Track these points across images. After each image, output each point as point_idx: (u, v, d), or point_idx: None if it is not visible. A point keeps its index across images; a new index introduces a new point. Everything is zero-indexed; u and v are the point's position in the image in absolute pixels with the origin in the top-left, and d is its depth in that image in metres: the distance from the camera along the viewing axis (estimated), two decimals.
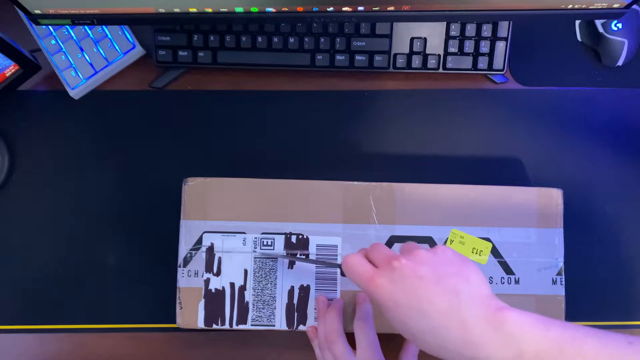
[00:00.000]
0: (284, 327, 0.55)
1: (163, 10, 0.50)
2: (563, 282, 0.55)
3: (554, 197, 0.56)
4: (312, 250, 0.55)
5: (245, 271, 0.55)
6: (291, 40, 0.61)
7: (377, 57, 0.61)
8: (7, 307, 0.60)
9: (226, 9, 0.50)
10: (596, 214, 0.62)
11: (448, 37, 0.61)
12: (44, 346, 0.60)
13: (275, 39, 0.61)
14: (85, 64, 0.61)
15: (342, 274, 0.50)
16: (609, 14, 0.51)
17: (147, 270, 0.60)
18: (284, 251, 0.55)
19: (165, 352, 0.60)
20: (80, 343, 0.60)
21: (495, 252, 0.55)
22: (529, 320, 0.36)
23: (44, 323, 0.60)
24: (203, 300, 0.54)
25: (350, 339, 0.51)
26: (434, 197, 0.56)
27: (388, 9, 0.50)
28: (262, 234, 0.55)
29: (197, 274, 0.55)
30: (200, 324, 0.54)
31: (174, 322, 0.55)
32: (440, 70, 0.62)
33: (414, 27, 0.61)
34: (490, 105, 0.63)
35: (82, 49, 0.61)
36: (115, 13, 0.51)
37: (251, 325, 0.55)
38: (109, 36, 0.61)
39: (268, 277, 0.55)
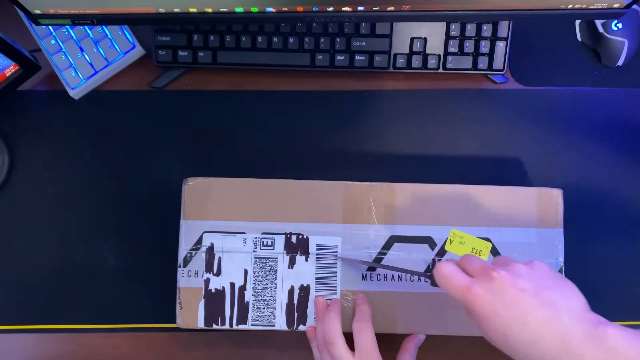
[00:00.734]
0: (284, 327, 0.55)
1: (163, 10, 0.50)
2: None
3: (554, 197, 0.56)
4: (312, 250, 0.55)
5: (245, 271, 0.55)
6: (291, 40, 0.61)
7: (377, 57, 0.61)
8: (7, 307, 0.60)
9: (226, 9, 0.50)
10: (596, 214, 0.62)
11: (448, 37, 0.61)
12: (44, 346, 0.60)
13: (275, 39, 0.61)
14: (85, 64, 0.61)
15: (432, 283, 0.50)
16: (609, 14, 0.51)
17: (147, 270, 0.60)
18: (370, 253, 0.55)
19: (165, 352, 0.60)
20: (80, 343, 0.60)
21: (495, 252, 0.55)
22: (631, 335, 0.36)
23: (44, 323, 0.60)
24: (203, 300, 0.54)
25: (349, 340, 0.51)
26: (434, 197, 0.56)
27: (388, 9, 0.50)
28: (262, 234, 0.55)
29: (197, 274, 0.55)
30: (200, 324, 0.54)
31: (174, 322, 0.55)
32: (440, 70, 0.62)
33: (414, 27, 0.61)
34: (490, 105, 0.63)
35: (82, 49, 0.61)
36: (115, 13, 0.51)
37: (251, 325, 0.55)
38: (109, 36, 0.61)
39: (268, 277, 0.55)
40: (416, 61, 0.61)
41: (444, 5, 0.50)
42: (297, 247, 0.55)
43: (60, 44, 0.61)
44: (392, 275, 0.55)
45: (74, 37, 0.61)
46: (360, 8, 0.50)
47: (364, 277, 0.55)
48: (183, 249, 0.55)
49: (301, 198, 0.56)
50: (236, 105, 0.63)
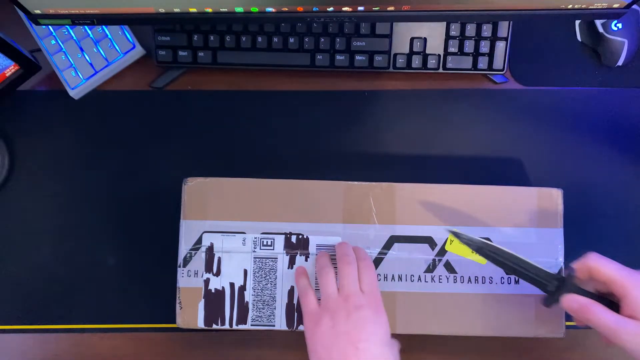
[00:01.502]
0: (284, 327, 0.55)
1: (163, 10, 0.50)
2: None
3: (554, 197, 0.56)
4: (312, 250, 0.55)
5: (245, 271, 0.55)
6: (291, 40, 0.61)
7: (377, 57, 0.61)
8: (7, 307, 0.60)
9: (226, 9, 0.50)
10: (596, 214, 0.62)
11: (448, 37, 0.61)
12: (44, 346, 0.60)
13: (275, 39, 0.61)
14: (85, 64, 0.61)
15: (546, 303, 0.50)
16: (609, 14, 0.51)
17: (147, 270, 0.60)
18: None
19: (165, 352, 0.60)
20: (80, 343, 0.60)
21: None
22: None
23: (44, 323, 0.60)
24: (203, 300, 0.54)
25: None
26: (434, 197, 0.56)
27: (388, 9, 0.50)
28: (262, 234, 0.55)
29: (197, 274, 0.55)
30: (200, 324, 0.54)
31: (174, 322, 0.55)
32: (440, 70, 0.62)
33: (414, 27, 0.61)
34: (490, 105, 0.63)
35: (82, 49, 0.61)
36: (115, 13, 0.51)
37: (251, 325, 0.55)
38: (109, 36, 0.61)
39: (268, 277, 0.55)
40: (416, 61, 0.61)
41: (444, 5, 0.50)
42: (297, 247, 0.55)
43: (60, 44, 0.61)
44: (392, 275, 0.55)
45: (74, 37, 0.61)
46: (360, 8, 0.50)
47: None
48: (183, 249, 0.55)
49: (301, 198, 0.56)
50: (236, 105, 0.63)
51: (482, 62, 0.61)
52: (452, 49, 0.61)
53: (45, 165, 0.62)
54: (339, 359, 0.46)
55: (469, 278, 0.55)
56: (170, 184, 0.57)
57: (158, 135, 0.62)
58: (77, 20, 0.51)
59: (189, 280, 0.55)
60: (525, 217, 0.56)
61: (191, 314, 0.54)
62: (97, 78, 0.62)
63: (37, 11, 0.50)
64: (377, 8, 0.50)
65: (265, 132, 0.62)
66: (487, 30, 0.61)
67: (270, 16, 0.51)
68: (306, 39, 0.61)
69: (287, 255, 0.55)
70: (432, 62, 0.61)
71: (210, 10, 0.50)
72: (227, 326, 0.54)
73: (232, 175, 0.56)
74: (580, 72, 0.64)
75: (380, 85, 0.63)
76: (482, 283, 0.55)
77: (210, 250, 0.55)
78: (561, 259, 0.56)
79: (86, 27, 0.61)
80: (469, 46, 0.61)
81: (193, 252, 0.55)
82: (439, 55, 0.62)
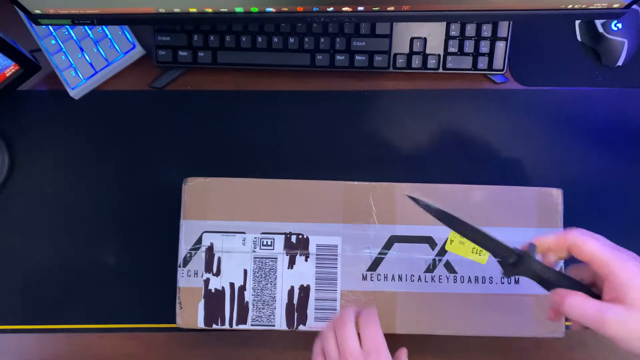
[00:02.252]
0: (284, 327, 0.55)
1: (163, 10, 0.50)
2: None
3: (554, 197, 0.56)
4: (312, 250, 0.55)
5: (245, 271, 0.55)
6: (291, 40, 0.61)
7: (377, 57, 0.61)
8: (7, 307, 0.60)
9: (226, 9, 0.50)
10: (596, 214, 0.62)
11: (448, 37, 0.61)
12: (44, 346, 0.60)
13: (275, 39, 0.61)
14: (85, 64, 0.61)
15: (505, 276, 0.46)
16: (609, 14, 0.51)
17: (147, 270, 0.60)
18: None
19: (165, 352, 0.60)
20: (80, 343, 0.60)
21: None
22: None
23: (44, 323, 0.60)
24: (203, 300, 0.54)
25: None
26: (434, 197, 0.56)
27: (388, 9, 0.50)
28: (262, 233, 0.55)
29: (196, 274, 0.55)
30: (200, 324, 0.54)
31: (174, 322, 0.55)
32: (440, 70, 0.62)
33: (414, 27, 0.61)
34: (490, 105, 0.63)
35: (82, 49, 0.61)
36: (115, 13, 0.51)
37: (251, 325, 0.55)
38: (109, 36, 0.61)
39: (268, 277, 0.55)
40: (416, 61, 0.61)
41: (444, 5, 0.50)
42: (297, 247, 0.55)
43: (60, 44, 0.61)
44: (392, 275, 0.55)
45: (74, 37, 0.61)
46: (360, 8, 0.50)
47: (364, 277, 0.55)
48: (183, 249, 0.55)
49: (301, 198, 0.56)
50: (236, 105, 0.63)
51: (482, 62, 0.61)
52: (452, 49, 0.61)
53: (45, 165, 0.62)
54: None
55: (469, 278, 0.55)
56: (170, 184, 0.57)
57: (158, 135, 0.62)
58: (77, 20, 0.51)
59: (189, 280, 0.55)
60: (525, 217, 0.56)
61: (191, 314, 0.54)
62: (97, 78, 0.62)
63: (37, 11, 0.50)
64: (377, 8, 0.50)
65: (265, 132, 0.62)
66: (487, 30, 0.61)
67: (270, 16, 0.51)
68: (306, 39, 0.61)
69: (287, 255, 0.55)
70: (432, 62, 0.61)
71: (210, 10, 0.50)
72: (227, 326, 0.54)
73: (232, 175, 0.56)
74: (580, 72, 0.64)
75: (380, 85, 0.63)
76: (482, 283, 0.55)
77: (210, 250, 0.55)
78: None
79: (86, 27, 0.61)
80: (469, 46, 0.61)
81: (193, 252, 0.55)
82: (439, 55, 0.62)
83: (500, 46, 0.61)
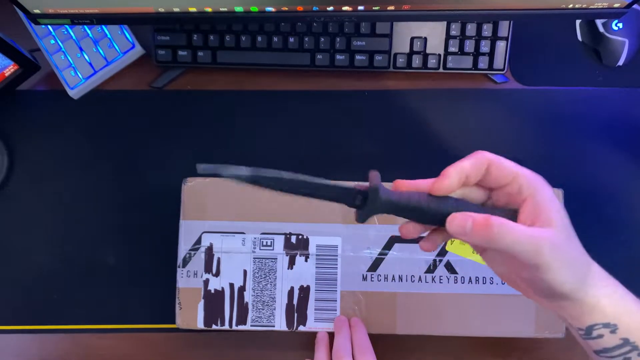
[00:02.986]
0: (284, 327, 0.55)
1: (163, 10, 0.50)
2: None
3: None
4: (312, 250, 0.55)
5: (245, 272, 0.55)
6: (291, 40, 0.61)
7: (377, 57, 0.61)
8: (7, 307, 0.60)
9: (226, 9, 0.50)
10: (596, 214, 0.62)
11: (448, 36, 0.61)
12: (44, 346, 0.60)
13: (275, 39, 0.61)
14: (84, 63, 0.61)
15: (360, 220, 0.39)
16: (610, 14, 0.51)
17: (147, 270, 0.60)
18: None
19: (165, 352, 0.60)
20: (80, 343, 0.60)
21: None
22: None
23: (44, 323, 0.60)
24: (202, 300, 0.54)
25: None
26: None
27: (388, 8, 0.50)
28: (262, 234, 0.55)
29: (196, 274, 0.55)
30: (200, 325, 0.54)
31: (174, 323, 0.55)
32: (441, 70, 0.62)
33: (414, 27, 0.61)
34: (490, 105, 0.63)
35: (81, 49, 0.61)
36: (115, 13, 0.51)
37: (251, 325, 0.55)
38: (109, 36, 0.61)
39: (267, 277, 0.55)
40: (416, 61, 0.61)
41: (445, 4, 0.50)
42: (297, 247, 0.55)
43: (60, 43, 0.61)
44: (393, 275, 0.55)
45: (74, 37, 0.61)
46: (360, 7, 0.50)
47: (364, 278, 0.55)
48: (182, 249, 0.55)
49: (301, 198, 0.55)
50: (236, 105, 0.63)
51: (483, 62, 0.61)
52: (452, 49, 0.61)
53: (44, 164, 0.62)
54: None
55: (470, 278, 0.55)
56: (170, 184, 0.57)
57: (158, 135, 0.62)
58: (76, 20, 0.51)
59: (189, 280, 0.55)
60: None
61: (191, 314, 0.54)
62: (97, 78, 0.62)
63: (37, 11, 0.50)
64: (377, 7, 0.50)
65: (265, 132, 0.62)
66: (487, 29, 0.61)
67: (270, 16, 0.51)
68: (306, 39, 0.61)
69: (286, 255, 0.55)
70: (432, 62, 0.61)
71: (209, 9, 0.50)
72: (226, 327, 0.54)
73: None
74: (581, 72, 0.64)
75: (380, 85, 0.63)
76: (483, 283, 0.55)
77: (209, 250, 0.55)
78: None
79: (85, 26, 0.61)
80: (469, 46, 0.61)
81: (192, 252, 0.55)
82: (439, 55, 0.61)
83: (501, 46, 0.61)
